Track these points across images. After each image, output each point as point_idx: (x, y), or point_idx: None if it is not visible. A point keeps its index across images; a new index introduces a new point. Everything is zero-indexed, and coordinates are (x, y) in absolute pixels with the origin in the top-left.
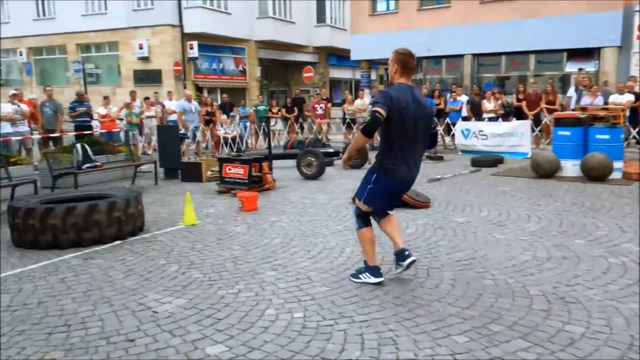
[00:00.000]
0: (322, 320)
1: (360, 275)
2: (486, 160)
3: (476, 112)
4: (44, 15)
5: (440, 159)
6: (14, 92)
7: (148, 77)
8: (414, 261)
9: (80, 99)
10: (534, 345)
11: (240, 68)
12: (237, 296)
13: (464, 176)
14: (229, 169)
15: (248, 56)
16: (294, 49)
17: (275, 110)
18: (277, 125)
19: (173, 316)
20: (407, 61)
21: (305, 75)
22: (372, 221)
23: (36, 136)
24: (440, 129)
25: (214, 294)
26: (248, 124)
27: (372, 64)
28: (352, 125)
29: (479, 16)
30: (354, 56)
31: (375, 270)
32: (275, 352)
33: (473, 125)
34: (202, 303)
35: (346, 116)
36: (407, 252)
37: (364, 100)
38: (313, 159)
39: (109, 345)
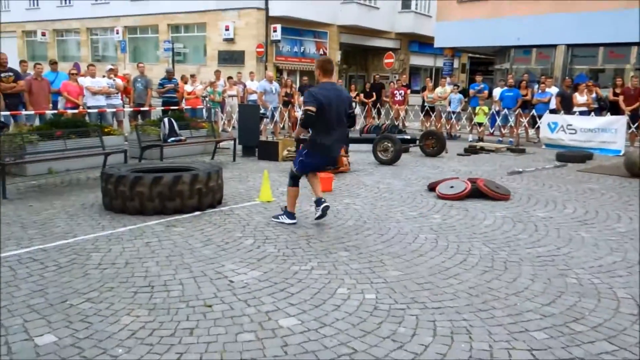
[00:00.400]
0: (394, 303)
1: (280, 217)
2: (573, 156)
3: (566, 105)
4: None
5: (522, 151)
6: (111, 67)
7: (231, 57)
8: (328, 207)
9: (169, 76)
10: (620, 349)
11: (321, 52)
12: (310, 273)
13: (548, 170)
14: None
15: (329, 40)
16: (375, 34)
17: (353, 94)
18: (355, 109)
19: (248, 287)
20: (325, 66)
21: (386, 61)
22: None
23: (127, 109)
24: (524, 120)
25: (288, 269)
26: None
27: (456, 51)
28: (431, 113)
29: (575, 5)
30: (437, 43)
31: (291, 215)
32: (347, 330)
33: (561, 118)
34: (276, 277)
35: (425, 103)
36: (323, 200)
37: (445, 89)
38: (390, 145)
39: (189, 309)
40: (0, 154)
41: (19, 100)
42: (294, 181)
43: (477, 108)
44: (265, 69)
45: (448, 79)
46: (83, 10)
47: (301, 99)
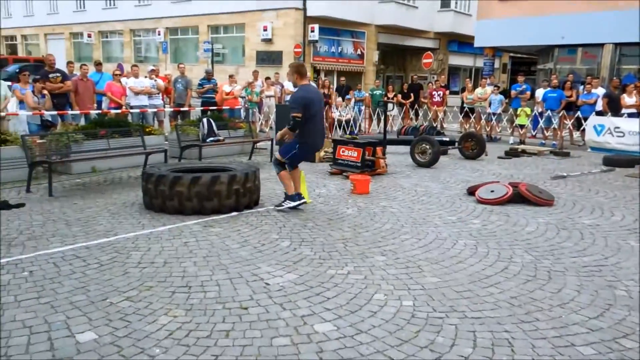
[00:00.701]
0: (432, 311)
1: (283, 204)
2: (621, 160)
3: (614, 107)
4: None
5: (567, 155)
6: (152, 68)
7: (269, 57)
8: (304, 202)
9: (208, 77)
10: None
11: (359, 52)
12: (346, 277)
13: (594, 175)
14: (343, 151)
15: (367, 40)
16: (414, 34)
17: (391, 95)
18: (393, 110)
19: (284, 290)
20: (300, 69)
21: (425, 61)
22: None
23: (168, 109)
24: (568, 123)
25: (324, 272)
26: (363, 107)
27: (497, 51)
28: (470, 114)
29: (623, 2)
30: (477, 43)
31: (293, 197)
32: (383, 338)
33: (608, 120)
34: (312, 280)
35: (465, 105)
36: (301, 195)
37: (485, 89)
38: (428, 147)
39: (225, 310)
40: (47, 153)
41: (66, 100)
42: (281, 167)
43: (519, 109)
44: None
45: (488, 80)
46: (126, 11)
47: (339, 99)
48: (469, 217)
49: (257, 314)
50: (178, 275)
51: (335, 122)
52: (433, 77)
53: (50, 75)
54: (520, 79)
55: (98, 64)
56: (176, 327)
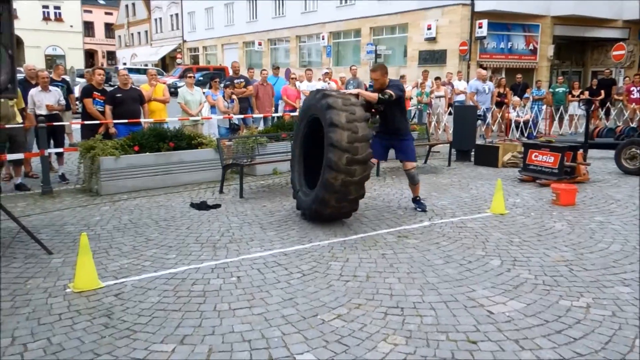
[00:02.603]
0: None
1: (417, 204)
2: None
3: None
4: (345, 2)
5: None
6: (326, 71)
7: (432, 57)
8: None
9: None
10: None
11: (531, 47)
12: (587, 312)
13: None
14: (536, 156)
15: (541, 34)
16: (597, 23)
17: (576, 92)
18: (577, 110)
19: (513, 322)
20: (385, 69)
21: (615, 53)
22: None
23: None
24: None
25: (556, 303)
26: (544, 107)
27: None
28: None
29: None
30: None
31: (420, 202)
32: None
33: None
34: (544, 312)
35: None
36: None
37: None
38: (639, 151)
39: (450, 342)
40: (236, 155)
41: (248, 104)
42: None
43: None
44: (468, 67)
45: None
46: (293, 19)
47: (515, 98)
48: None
49: (491, 351)
50: (385, 293)
51: (513, 124)
52: (619, 72)
53: (236, 81)
54: None
55: (276, 68)
56: (400, 357)
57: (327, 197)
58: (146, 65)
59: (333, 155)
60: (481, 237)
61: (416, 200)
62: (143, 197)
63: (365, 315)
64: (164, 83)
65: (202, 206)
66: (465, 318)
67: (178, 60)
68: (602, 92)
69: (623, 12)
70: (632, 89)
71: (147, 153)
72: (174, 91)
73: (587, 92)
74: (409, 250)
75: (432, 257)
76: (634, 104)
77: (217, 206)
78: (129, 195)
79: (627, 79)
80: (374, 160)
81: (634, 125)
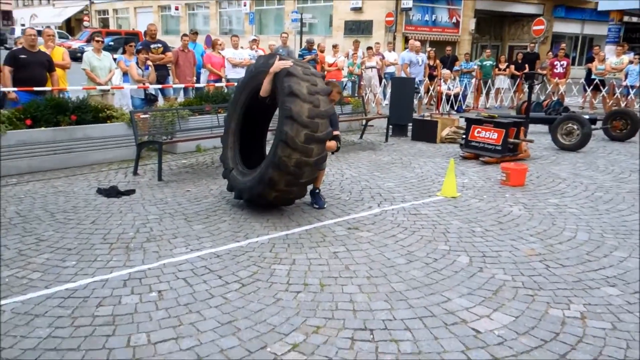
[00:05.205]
0: None
1: (315, 198)
2: None
3: None
4: None
5: None
6: (254, 37)
7: (358, 27)
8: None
9: (309, 47)
10: None
11: (454, 20)
12: (584, 325)
13: None
14: (478, 132)
15: (464, 7)
16: None
17: (503, 66)
18: (503, 83)
19: (506, 343)
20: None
21: (535, 28)
22: None
23: None
24: None
25: (546, 313)
26: (473, 80)
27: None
28: (602, 87)
29: None
30: (602, 6)
31: (318, 196)
32: None
33: None
34: (537, 328)
35: (593, 76)
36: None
37: (622, 59)
38: (576, 127)
39: None
40: (152, 130)
41: (166, 73)
42: None
43: None
44: (393, 38)
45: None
46: None
47: (446, 71)
48: None
49: None
50: (347, 308)
51: (444, 97)
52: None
53: (152, 46)
54: None
55: (194, 33)
56: None
57: (276, 178)
58: (48, 27)
59: (290, 130)
60: (440, 226)
61: (314, 193)
62: (38, 181)
63: (328, 344)
64: (69, 48)
65: (111, 192)
66: (449, 341)
67: (85, 24)
68: (527, 66)
69: None
70: (555, 63)
71: (43, 128)
72: (80, 57)
73: (512, 66)
74: (363, 247)
75: (392, 255)
76: (557, 78)
77: (130, 192)
78: (20, 178)
79: (549, 53)
80: None
81: (557, 98)
